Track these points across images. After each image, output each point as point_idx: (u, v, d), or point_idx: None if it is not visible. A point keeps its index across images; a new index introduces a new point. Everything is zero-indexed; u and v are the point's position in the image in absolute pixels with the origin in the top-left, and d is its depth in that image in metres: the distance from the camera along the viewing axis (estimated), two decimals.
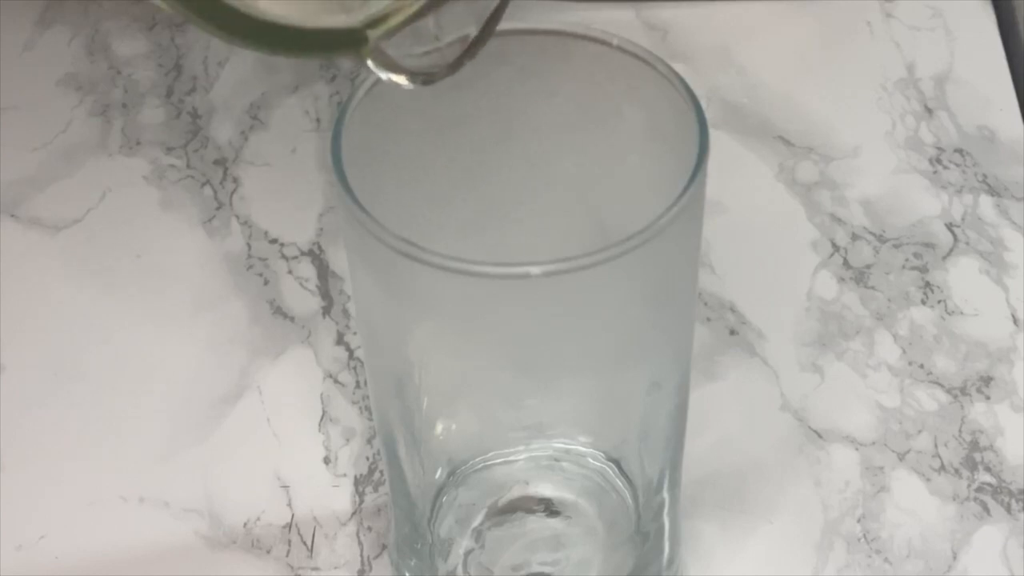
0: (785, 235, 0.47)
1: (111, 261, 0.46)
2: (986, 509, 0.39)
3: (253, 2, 0.26)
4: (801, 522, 0.39)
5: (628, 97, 0.31)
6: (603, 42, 0.31)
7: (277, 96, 0.51)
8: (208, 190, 0.48)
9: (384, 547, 0.39)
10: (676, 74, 0.30)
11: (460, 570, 0.36)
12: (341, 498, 0.40)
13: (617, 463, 0.36)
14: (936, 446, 0.41)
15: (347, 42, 0.27)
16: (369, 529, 0.39)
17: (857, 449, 0.41)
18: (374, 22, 0.28)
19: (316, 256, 0.46)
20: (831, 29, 0.54)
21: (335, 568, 0.38)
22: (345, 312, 0.44)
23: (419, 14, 0.28)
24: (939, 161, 0.49)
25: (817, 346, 0.43)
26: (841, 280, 0.45)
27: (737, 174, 0.48)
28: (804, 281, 0.45)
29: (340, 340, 0.44)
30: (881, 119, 0.50)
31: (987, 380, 0.42)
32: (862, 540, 0.39)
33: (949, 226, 0.47)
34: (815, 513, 0.39)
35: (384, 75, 0.28)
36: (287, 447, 0.41)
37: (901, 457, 0.41)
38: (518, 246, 0.33)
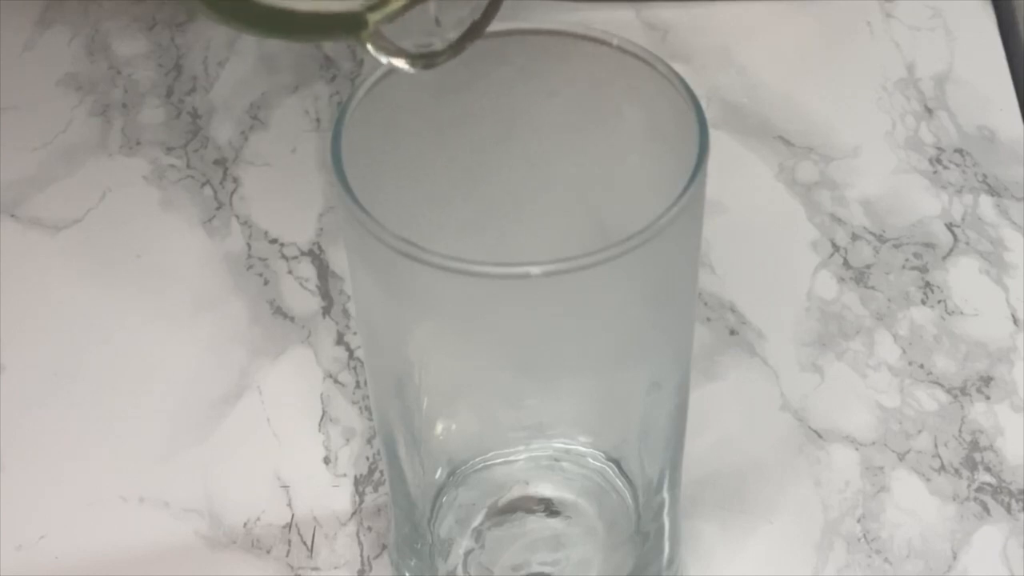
0: (785, 235, 0.47)
1: (111, 261, 0.46)
2: (986, 509, 0.39)
3: None
4: (801, 522, 0.39)
5: (628, 97, 0.31)
6: (603, 42, 0.31)
7: (277, 96, 0.51)
8: (208, 190, 0.48)
9: (384, 547, 0.39)
10: (676, 74, 0.30)
11: (460, 570, 0.36)
12: (341, 498, 0.40)
13: (617, 463, 0.36)
14: (936, 446, 0.41)
15: (347, 26, 0.27)
16: (369, 529, 0.39)
17: (857, 449, 0.41)
18: (374, 6, 0.27)
19: (316, 256, 0.46)
20: (831, 29, 0.54)
21: (335, 568, 0.38)
22: (345, 312, 0.44)
23: None
24: (939, 161, 0.49)
25: (817, 346, 0.43)
26: (841, 280, 0.45)
27: (737, 174, 0.48)
28: (804, 281, 0.45)
29: (340, 340, 0.44)
30: (881, 119, 0.50)
31: (987, 380, 0.42)
32: (862, 540, 0.39)
33: (949, 226, 0.47)
34: (815, 513, 0.39)
35: (384, 59, 0.28)
36: (287, 447, 0.41)
37: (901, 457, 0.41)
38: (518, 246, 0.33)
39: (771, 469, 0.40)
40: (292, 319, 0.44)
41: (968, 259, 0.46)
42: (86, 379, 0.43)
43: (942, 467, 0.40)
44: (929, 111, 0.50)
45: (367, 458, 0.41)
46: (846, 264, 0.46)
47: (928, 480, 0.40)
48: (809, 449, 0.41)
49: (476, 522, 0.37)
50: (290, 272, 0.46)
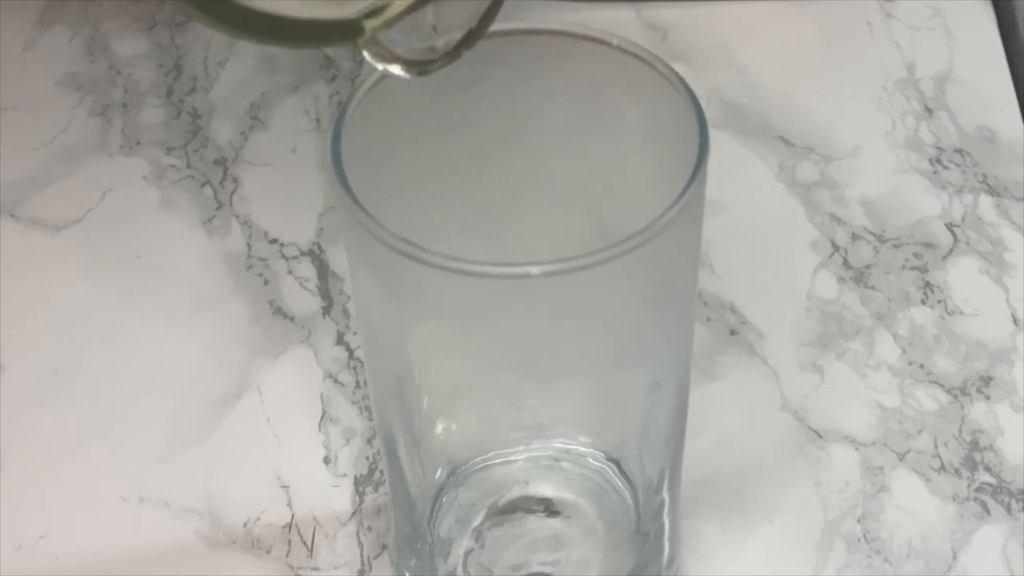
0: (785, 235, 0.47)
1: (111, 261, 0.46)
2: (986, 509, 0.39)
3: None
4: (801, 522, 0.39)
5: (628, 97, 0.31)
6: (603, 42, 0.31)
7: (277, 96, 0.51)
8: (208, 190, 0.48)
9: (384, 547, 0.39)
10: (676, 74, 0.30)
11: (460, 570, 0.36)
12: (341, 498, 0.40)
13: (617, 463, 0.36)
14: (936, 446, 0.41)
15: (344, 33, 0.27)
16: (369, 529, 0.39)
17: (857, 449, 0.41)
18: (371, 12, 0.27)
19: (316, 256, 0.46)
20: (831, 29, 0.54)
21: (335, 568, 0.38)
22: (345, 312, 0.44)
23: (417, 5, 0.28)
24: (939, 161, 0.49)
25: (817, 346, 0.43)
26: (841, 280, 0.45)
27: (737, 174, 0.48)
28: (804, 281, 0.45)
29: (340, 340, 0.44)
30: (881, 119, 0.50)
31: (987, 380, 0.42)
32: (862, 540, 0.39)
33: (949, 226, 0.47)
34: (815, 513, 0.39)
35: (380, 65, 0.28)
36: (287, 447, 0.41)
37: (901, 457, 0.41)
38: (518, 246, 0.33)
39: (771, 469, 0.40)
40: (292, 319, 0.44)
41: (968, 259, 0.46)
42: (86, 379, 0.43)
43: (942, 467, 0.40)
44: (929, 111, 0.50)
45: (367, 458, 0.41)
46: (846, 264, 0.46)
47: (928, 480, 0.40)
48: (809, 449, 0.41)
49: (476, 522, 0.37)
50: (290, 272, 0.46)
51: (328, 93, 0.51)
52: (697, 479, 0.40)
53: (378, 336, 0.32)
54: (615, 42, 0.31)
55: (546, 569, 0.36)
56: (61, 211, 0.48)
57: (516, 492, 0.37)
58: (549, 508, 0.37)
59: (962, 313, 0.44)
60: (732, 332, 0.44)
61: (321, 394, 0.42)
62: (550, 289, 0.28)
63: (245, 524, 0.39)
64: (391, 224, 0.28)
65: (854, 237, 0.46)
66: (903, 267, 0.45)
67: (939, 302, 0.44)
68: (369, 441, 0.41)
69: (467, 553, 0.36)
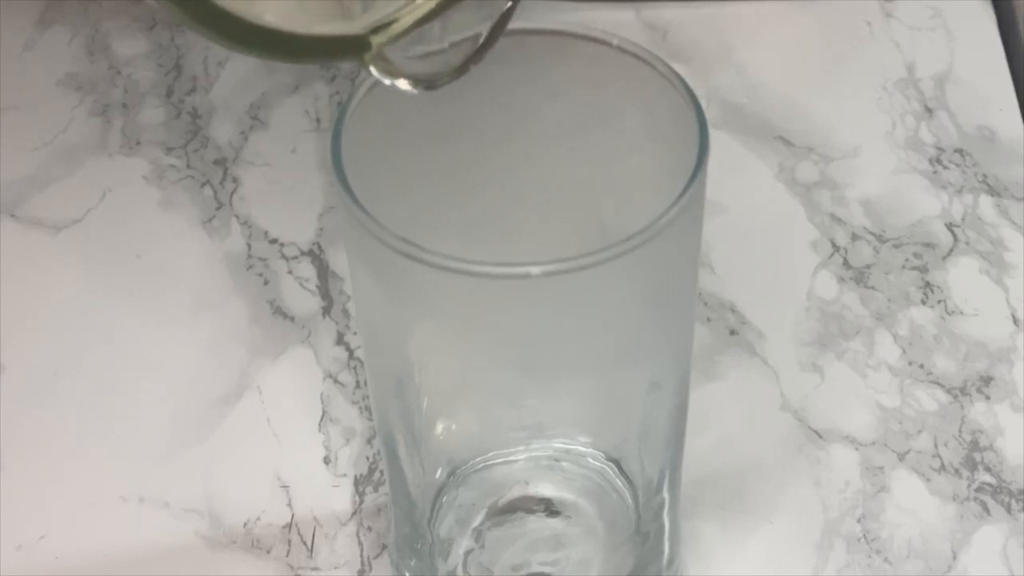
0: (785, 235, 0.47)
1: (111, 261, 0.46)
2: (986, 509, 0.39)
3: (254, 8, 0.26)
4: (801, 522, 0.39)
5: (628, 97, 0.31)
6: (603, 42, 0.31)
7: (277, 96, 0.51)
8: (208, 190, 0.48)
9: (384, 547, 0.39)
10: (676, 74, 0.30)
11: (460, 570, 0.36)
12: (341, 498, 0.40)
13: (617, 463, 0.36)
14: (936, 446, 0.41)
15: (350, 48, 0.27)
16: (369, 529, 0.39)
17: (857, 449, 0.41)
18: (378, 28, 0.27)
19: (316, 256, 0.46)
20: (831, 29, 0.54)
21: (335, 568, 0.38)
22: (345, 312, 0.44)
23: (424, 20, 0.28)
24: (939, 161, 0.49)
25: (817, 346, 0.43)
26: (841, 280, 0.45)
27: (737, 174, 0.48)
28: (804, 281, 0.45)
29: (340, 340, 0.44)
30: (881, 119, 0.50)
31: (987, 380, 0.42)
32: (862, 540, 0.39)
33: (949, 226, 0.47)
34: (815, 513, 0.39)
35: (387, 80, 0.28)
36: (287, 447, 0.41)
37: (901, 457, 0.41)
38: (518, 246, 0.33)
39: (771, 469, 0.40)
40: (292, 319, 0.44)
41: (968, 259, 0.46)
42: (86, 379, 0.43)
43: (942, 467, 0.40)
44: (929, 111, 0.50)
45: (367, 458, 0.41)
46: (846, 264, 0.46)
47: (928, 480, 0.40)
48: (809, 449, 0.41)
49: (476, 522, 0.37)
50: (290, 272, 0.46)
51: (328, 93, 0.51)
52: (697, 479, 0.40)
53: (378, 336, 0.32)
54: (615, 42, 0.31)
55: (546, 569, 0.36)
56: (61, 211, 0.48)
57: (516, 492, 0.37)
58: (549, 508, 0.37)
59: (962, 313, 0.44)
60: (732, 332, 0.44)
61: (321, 394, 0.42)
62: (550, 289, 0.28)
63: (245, 524, 0.39)
64: (391, 224, 0.28)
65: (854, 237, 0.46)
66: (903, 267, 0.45)
67: (939, 302, 0.44)
68: (369, 441, 0.41)
69: (467, 553, 0.36)
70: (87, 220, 0.47)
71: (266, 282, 0.45)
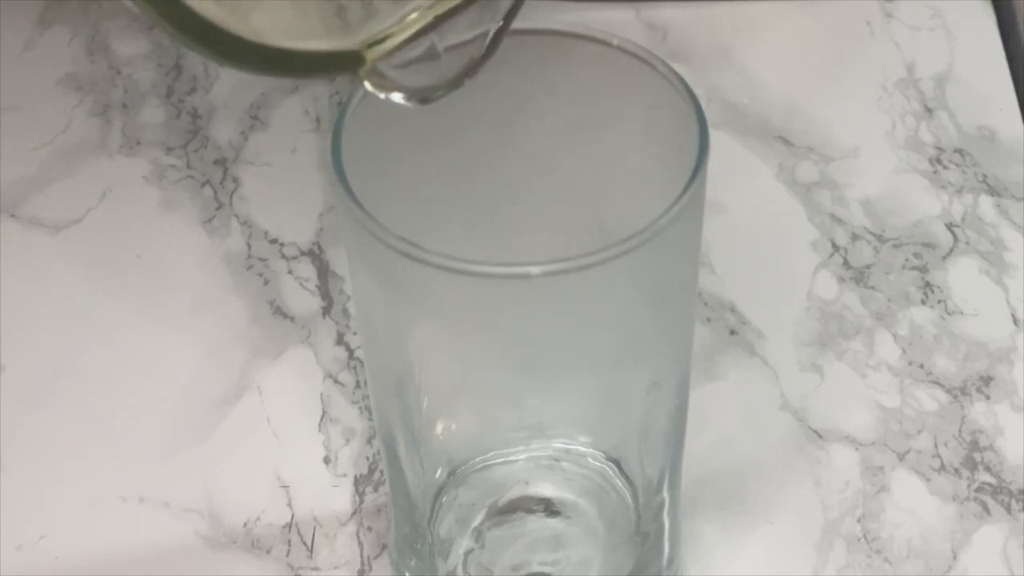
0: (785, 235, 0.47)
1: (111, 261, 0.46)
2: (986, 509, 0.39)
3: (247, 24, 0.26)
4: (801, 522, 0.39)
5: (628, 97, 0.31)
6: (603, 42, 0.31)
7: (277, 96, 0.51)
8: (208, 190, 0.48)
9: (384, 547, 0.39)
10: (676, 74, 0.30)
11: (460, 570, 0.36)
12: (341, 498, 0.40)
13: (617, 463, 0.36)
14: (936, 446, 0.41)
15: (345, 63, 0.27)
16: (369, 529, 0.39)
17: (857, 449, 0.41)
18: (373, 42, 0.27)
19: (316, 256, 0.46)
20: (831, 29, 0.54)
21: (335, 568, 0.38)
22: (345, 312, 0.44)
23: (419, 35, 0.28)
24: (939, 161, 0.49)
25: (817, 346, 0.43)
26: (841, 280, 0.45)
27: (737, 174, 0.48)
28: (804, 281, 0.45)
29: (340, 340, 0.44)
30: (881, 119, 0.50)
31: (987, 380, 0.42)
32: (862, 540, 0.39)
33: (949, 226, 0.47)
34: (815, 513, 0.39)
35: (382, 94, 0.28)
36: (287, 447, 0.41)
37: (901, 457, 0.41)
38: (518, 246, 0.33)
39: (771, 469, 0.40)
40: (292, 319, 0.44)
41: (968, 259, 0.46)
42: (86, 379, 0.43)
43: (942, 467, 0.40)
44: (929, 111, 0.50)
45: (367, 458, 0.41)
46: (846, 264, 0.46)
47: (928, 480, 0.40)
48: (809, 449, 0.41)
49: (476, 522, 0.37)
50: (290, 272, 0.46)
51: (328, 93, 0.51)
52: (697, 479, 0.40)
53: (378, 336, 0.32)
54: (615, 42, 0.31)
55: (546, 569, 0.36)
56: (61, 211, 0.48)
57: (516, 492, 0.37)
58: (549, 508, 0.37)
59: (962, 313, 0.44)
60: (732, 332, 0.44)
61: (321, 394, 0.42)
62: (550, 289, 0.28)
63: (245, 524, 0.39)
64: (391, 224, 0.28)
65: (854, 237, 0.46)
66: (903, 267, 0.45)
67: (939, 302, 0.44)
68: (369, 441, 0.41)
69: (467, 553, 0.36)
70: (87, 220, 0.47)
71: (266, 282, 0.45)
